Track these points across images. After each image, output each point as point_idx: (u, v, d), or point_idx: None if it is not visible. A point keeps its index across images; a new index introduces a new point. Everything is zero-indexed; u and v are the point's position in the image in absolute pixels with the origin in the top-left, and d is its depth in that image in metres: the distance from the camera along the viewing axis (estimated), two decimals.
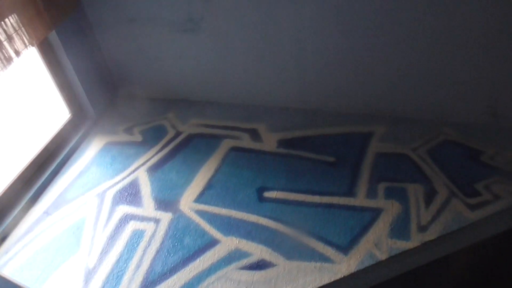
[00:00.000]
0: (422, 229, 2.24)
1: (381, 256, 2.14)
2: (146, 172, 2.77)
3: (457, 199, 2.37)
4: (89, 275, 2.21)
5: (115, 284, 2.14)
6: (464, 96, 2.78)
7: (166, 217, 2.46)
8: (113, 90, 3.45)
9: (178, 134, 3.06)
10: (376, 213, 2.35)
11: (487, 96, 2.74)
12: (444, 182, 2.48)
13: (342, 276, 2.06)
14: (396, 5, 2.48)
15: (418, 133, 2.82)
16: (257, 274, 2.11)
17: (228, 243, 2.27)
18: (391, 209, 2.35)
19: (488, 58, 2.57)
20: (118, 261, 2.24)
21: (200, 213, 2.46)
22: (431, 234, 2.21)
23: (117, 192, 2.65)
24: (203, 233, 2.34)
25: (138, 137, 3.07)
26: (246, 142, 2.92)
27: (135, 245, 2.31)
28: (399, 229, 2.25)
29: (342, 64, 2.82)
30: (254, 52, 2.92)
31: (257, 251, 2.22)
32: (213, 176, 2.69)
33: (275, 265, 2.14)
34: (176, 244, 2.30)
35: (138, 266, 2.20)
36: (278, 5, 2.66)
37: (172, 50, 3.07)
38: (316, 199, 2.46)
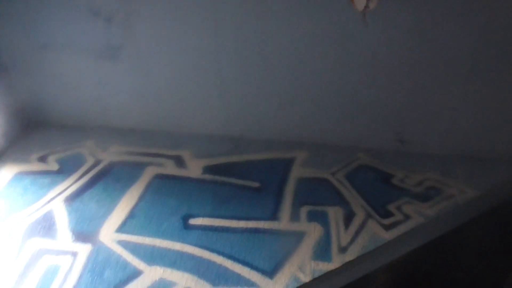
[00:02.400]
0: (343, 250, 2.34)
1: (305, 278, 2.19)
2: (62, 203, 2.61)
3: (373, 220, 2.52)
4: None
5: None
6: (376, 124, 3.01)
7: (84, 249, 2.31)
8: (25, 118, 3.23)
9: (97, 162, 2.93)
10: (299, 236, 2.42)
11: (395, 124, 3.00)
12: (361, 204, 2.63)
13: None
14: (313, 37, 2.65)
15: (336, 158, 2.99)
16: None
17: (152, 273, 2.19)
18: (313, 232, 2.44)
19: (396, 90, 2.82)
20: None
21: (122, 244, 2.35)
22: (351, 254, 2.32)
23: (29, 225, 2.45)
24: (125, 264, 2.24)
25: (54, 166, 2.89)
26: (170, 169, 2.88)
27: (49, 282, 2.14)
28: (321, 251, 2.33)
29: (263, 93, 2.93)
30: (176, 80, 2.94)
31: (183, 280, 2.16)
32: (136, 205, 2.60)
33: None
34: (95, 278, 2.16)
35: None
36: (198, 34, 2.72)
37: (89, 77, 2.98)
38: (242, 224, 2.48)
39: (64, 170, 2.85)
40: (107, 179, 2.79)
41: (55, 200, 2.62)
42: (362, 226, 2.48)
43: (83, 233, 2.40)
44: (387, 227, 2.48)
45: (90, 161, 2.94)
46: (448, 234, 3.14)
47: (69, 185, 2.73)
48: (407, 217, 2.55)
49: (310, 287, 2.25)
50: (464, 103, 2.77)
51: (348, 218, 2.53)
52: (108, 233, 2.41)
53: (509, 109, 2.76)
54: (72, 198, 2.64)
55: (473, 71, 2.63)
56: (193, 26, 2.72)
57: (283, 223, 2.49)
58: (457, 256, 3.69)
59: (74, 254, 2.28)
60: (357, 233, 2.44)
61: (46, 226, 2.44)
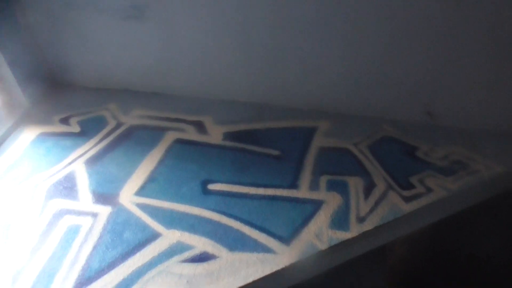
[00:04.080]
0: (361, 220, 2.31)
1: (322, 246, 2.18)
2: (83, 165, 2.64)
3: (394, 192, 2.47)
4: (17, 275, 2.05)
5: (47, 283, 2.01)
6: (403, 96, 2.90)
7: (104, 211, 2.35)
8: (49, 78, 3.25)
9: (119, 125, 2.95)
10: (318, 205, 2.39)
11: (424, 96, 2.89)
12: (382, 175, 2.58)
13: (284, 267, 2.08)
14: (341, 5, 2.54)
15: (360, 129, 2.92)
16: (199, 267, 2.07)
17: (170, 236, 2.22)
18: (332, 201, 2.41)
19: (427, 61, 2.69)
20: (50, 258, 2.11)
21: (142, 207, 2.38)
22: (369, 224, 2.29)
23: (51, 186, 2.49)
24: (144, 226, 2.27)
25: (76, 128, 2.92)
26: (191, 134, 2.87)
27: (70, 241, 2.19)
28: (339, 220, 2.31)
29: (290, 60, 2.85)
30: (201, 43, 2.88)
31: (200, 243, 2.18)
32: (155, 169, 2.61)
33: (218, 257, 2.12)
34: (115, 238, 2.20)
35: (73, 263, 2.08)
36: None
37: (114, 37, 2.95)
38: (260, 191, 2.47)
39: (85, 132, 2.88)
40: (128, 143, 2.80)
41: (77, 162, 2.65)
42: (382, 197, 2.44)
43: (104, 195, 2.44)
44: (408, 199, 2.42)
45: (111, 124, 2.96)
46: (469, 210, 3.05)
47: (90, 148, 2.76)
48: (429, 190, 2.49)
49: (326, 255, 2.25)
50: (498, 77, 2.63)
51: (368, 189, 2.49)
52: (128, 196, 2.44)
53: None
54: (93, 161, 2.67)
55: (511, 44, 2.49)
56: None
57: (302, 192, 2.47)
58: (476, 232, 3.61)
59: (95, 215, 2.32)
60: (376, 203, 2.40)
61: (67, 187, 2.49)
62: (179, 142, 2.81)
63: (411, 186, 2.51)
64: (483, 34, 2.49)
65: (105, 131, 2.90)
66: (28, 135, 2.85)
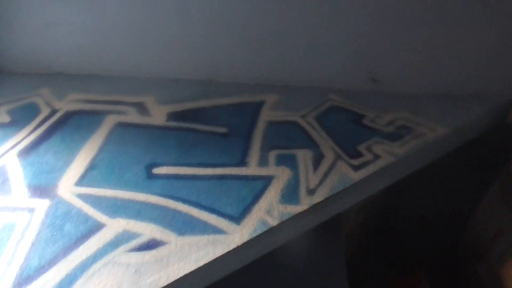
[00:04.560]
0: (311, 192, 2.30)
1: (273, 222, 2.15)
2: (16, 157, 2.45)
3: (342, 161, 2.47)
4: None
5: None
6: (348, 64, 2.89)
7: (42, 205, 2.20)
8: None
9: (54, 112, 2.75)
10: (267, 180, 2.35)
11: (368, 63, 2.88)
12: (330, 145, 2.57)
13: (235, 247, 2.04)
14: None
15: (307, 101, 2.88)
16: (148, 255, 1.99)
17: (115, 225, 2.11)
18: (281, 176, 2.38)
19: (368, 27, 2.67)
20: None
21: (83, 197, 2.24)
22: (319, 196, 2.28)
23: None
24: (86, 218, 2.15)
25: (5, 118, 2.70)
26: (132, 116, 2.73)
27: (5, 240, 2.03)
28: (289, 194, 2.28)
29: (232, 33, 2.74)
30: (136, 19, 2.70)
31: (147, 230, 2.09)
32: (96, 156, 2.47)
33: (167, 243, 2.04)
34: (55, 233, 2.07)
35: (9, 263, 1.94)
36: None
37: (37, 17, 2.71)
38: (209, 171, 2.39)
39: (16, 121, 2.67)
40: (65, 130, 2.63)
41: (8, 154, 2.46)
42: (331, 167, 2.43)
43: (40, 188, 2.28)
44: (356, 168, 2.43)
45: (45, 111, 2.76)
46: (417, 173, 3.12)
47: (23, 138, 2.57)
48: (376, 157, 2.51)
49: (278, 230, 2.23)
50: (437, 39, 2.66)
51: (317, 160, 2.47)
52: (67, 187, 2.29)
53: (481, 46, 2.67)
54: (27, 151, 2.48)
55: (447, 4, 2.50)
56: None
57: (251, 168, 2.42)
58: (425, 194, 3.73)
59: (31, 210, 2.17)
60: (325, 174, 2.39)
61: None
62: (120, 125, 2.67)
63: (359, 155, 2.52)
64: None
65: (38, 119, 2.70)
66: None
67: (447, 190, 4.15)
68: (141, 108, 2.78)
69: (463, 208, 4.36)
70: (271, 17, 2.64)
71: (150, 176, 2.36)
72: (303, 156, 2.50)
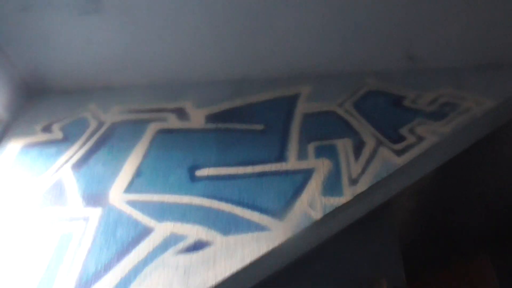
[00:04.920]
0: (353, 182, 2.26)
1: (316, 215, 2.14)
2: (70, 170, 2.61)
3: (384, 147, 2.40)
4: None
5: None
6: (382, 44, 2.79)
7: (95, 213, 2.33)
8: (24, 87, 3.18)
9: (101, 124, 2.90)
10: (308, 173, 2.34)
11: (403, 41, 2.77)
12: (371, 132, 2.51)
13: (280, 242, 2.05)
14: None
15: (343, 88, 2.82)
16: (195, 256, 2.06)
17: (162, 229, 2.20)
18: (322, 168, 2.35)
19: (399, 3, 2.56)
20: (46, 269, 2.11)
21: (131, 203, 2.35)
22: (362, 185, 2.24)
23: (40, 196, 2.48)
24: (136, 223, 2.25)
25: (59, 134, 2.88)
26: (173, 122, 2.82)
27: (64, 249, 2.19)
28: (331, 185, 2.26)
29: (258, 28, 2.74)
30: (167, 25, 2.77)
31: (193, 232, 2.16)
32: (141, 163, 2.58)
33: (212, 242, 2.10)
34: (108, 239, 2.19)
35: (69, 271, 2.08)
36: None
37: (77, 35, 2.86)
38: (248, 169, 2.42)
39: (68, 137, 2.84)
40: (111, 141, 2.76)
41: (63, 168, 2.62)
42: (373, 154, 2.37)
43: (93, 197, 2.42)
44: (399, 152, 2.36)
45: (93, 125, 2.91)
46: (470, 150, 2.94)
47: (75, 152, 2.73)
48: (420, 139, 2.41)
49: (322, 223, 2.21)
50: (472, 7, 2.50)
51: (358, 148, 2.42)
52: (117, 194, 2.41)
53: None
54: (79, 164, 2.64)
55: None
56: None
57: (291, 163, 2.41)
58: (482, 172, 3.52)
59: (86, 219, 2.31)
60: (367, 162, 2.34)
61: (56, 194, 2.47)
62: (162, 132, 2.76)
63: (401, 138, 2.44)
64: None
65: (88, 132, 2.86)
66: (12, 149, 2.82)
67: (505, 166, 3.90)
68: (181, 113, 2.86)
69: None
70: (295, 7, 2.60)
71: (193, 178, 2.42)
72: (343, 145, 2.46)
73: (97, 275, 2.04)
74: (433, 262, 5.05)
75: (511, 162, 3.79)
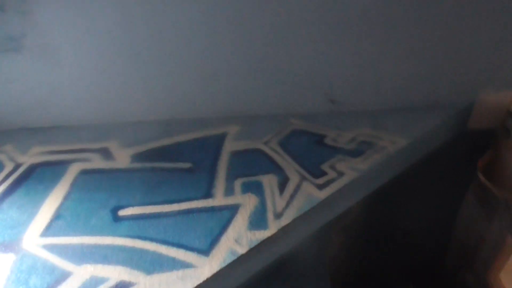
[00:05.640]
0: (278, 216, 2.31)
1: (242, 250, 2.14)
2: None
3: (307, 182, 2.51)
4: None
5: None
6: (305, 88, 2.97)
7: (6, 260, 2.15)
8: None
9: (17, 166, 2.74)
10: (234, 209, 2.36)
11: (325, 85, 2.97)
12: (295, 168, 2.61)
13: (206, 279, 2.02)
14: (226, 5, 2.56)
15: (269, 128, 2.94)
16: None
17: (81, 272, 2.07)
18: (248, 203, 2.39)
19: (318, 50, 2.78)
20: None
21: (48, 248, 2.21)
22: (287, 218, 2.29)
23: None
24: (53, 268, 2.10)
25: None
26: (97, 162, 2.74)
27: None
28: (257, 220, 2.29)
29: (185, 70, 2.81)
30: (91, 67, 2.76)
31: (115, 273, 2.06)
32: (61, 205, 2.45)
33: (135, 283, 2.01)
34: None
35: None
36: (107, 15, 2.55)
37: None
38: (174, 207, 2.39)
39: None
40: (28, 183, 2.61)
41: None
42: (296, 189, 2.46)
43: (4, 244, 2.24)
44: (321, 186, 2.47)
45: (8, 167, 2.74)
46: (390, 188, 3.15)
47: None
48: (340, 174, 2.55)
49: (248, 258, 2.21)
50: (385, 55, 2.77)
51: (283, 184, 2.50)
52: (32, 239, 2.26)
53: (432, 57, 2.79)
54: None
55: (391, 20, 2.63)
56: (100, 4, 2.54)
57: (217, 199, 2.43)
58: (405, 208, 3.73)
59: None
60: (291, 197, 2.42)
61: None
62: (85, 172, 2.67)
63: (323, 174, 2.56)
64: (360, 16, 2.61)
65: (1, 175, 2.68)
66: None
67: (426, 202, 4.18)
68: (105, 153, 2.79)
69: (446, 218, 4.39)
70: (222, 50, 2.73)
71: (116, 219, 2.34)
72: (269, 181, 2.53)
73: None
74: None
75: (430, 199, 4.09)
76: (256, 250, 2.17)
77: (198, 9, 2.56)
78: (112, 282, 2.02)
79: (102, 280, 2.03)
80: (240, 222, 2.28)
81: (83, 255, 2.16)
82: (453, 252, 4.66)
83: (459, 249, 4.41)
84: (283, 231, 2.28)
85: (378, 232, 4.61)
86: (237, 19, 2.62)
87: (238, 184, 2.52)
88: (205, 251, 2.14)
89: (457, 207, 4.18)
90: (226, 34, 2.67)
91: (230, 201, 2.41)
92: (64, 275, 2.06)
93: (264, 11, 2.60)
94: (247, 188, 2.48)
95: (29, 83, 2.82)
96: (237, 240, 2.19)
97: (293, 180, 2.52)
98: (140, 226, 2.29)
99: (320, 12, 2.59)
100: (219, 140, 2.85)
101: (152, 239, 2.22)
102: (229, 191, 2.47)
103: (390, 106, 3.04)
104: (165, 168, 2.65)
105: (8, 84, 2.81)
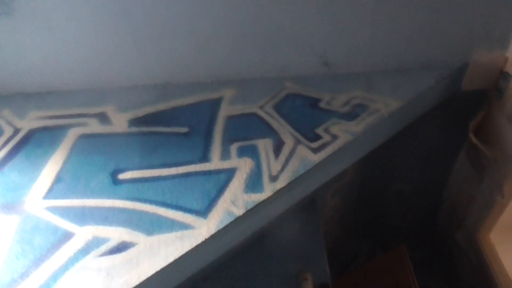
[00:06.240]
0: (274, 179, 2.38)
1: (238, 212, 2.22)
2: None
3: (302, 145, 2.55)
4: None
5: None
6: (300, 50, 2.96)
7: (10, 221, 2.24)
8: None
9: (16, 131, 2.78)
10: (230, 173, 2.42)
11: (318, 48, 2.96)
12: (290, 132, 2.65)
13: (203, 240, 2.11)
14: None
15: (264, 91, 2.96)
16: (118, 257, 2.05)
17: (84, 233, 2.16)
18: (244, 167, 2.45)
19: (313, 10, 2.74)
20: None
21: (51, 209, 2.29)
22: (282, 182, 2.36)
23: None
24: (56, 229, 2.19)
25: None
26: (94, 127, 2.77)
27: None
28: (253, 183, 2.36)
29: (179, 33, 2.78)
30: (84, 30, 2.73)
31: (116, 234, 2.15)
32: (61, 169, 2.51)
33: (136, 244, 2.10)
34: (25, 247, 2.11)
35: None
36: None
37: None
38: (172, 171, 2.45)
39: None
40: (28, 147, 2.66)
41: None
42: (291, 153, 2.51)
43: (7, 206, 2.31)
44: (316, 150, 2.52)
45: (8, 132, 2.78)
46: (384, 149, 3.21)
47: None
48: (334, 137, 2.59)
49: (244, 219, 2.30)
50: (379, 16, 2.75)
51: (278, 148, 2.55)
52: (35, 201, 2.33)
53: (425, 17, 2.77)
54: None
55: None
56: None
57: (214, 163, 2.49)
58: (398, 169, 3.84)
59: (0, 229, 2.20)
60: (287, 160, 2.47)
61: None
62: (83, 137, 2.71)
63: (318, 137, 2.61)
64: None
65: (1, 140, 2.72)
66: None
67: (419, 162, 4.26)
68: (103, 118, 2.82)
69: (438, 178, 4.50)
70: (216, 13, 2.69)
71: (116, 182, 2.41)
72: (264, 145, 2.58)
73: (13, 284, 1.96)
74: (361, 255, 5.35)
75: (423, 159, 4.17)
76: (252, 211, 2.25)
77: None
78: (114, 242, 2.11)
79: (104, 240, 2.12)
80: (236, 185, 2.35)
81: (84, 216, 2.24)
82: (445, 212, 4.80)
83: (451, 209, 4.55)
84: (278, 195, 2.35)
85: (372, 193, 4.74)
86: None
87: (234, 148, 2.56)
88: (203, 213, 2.22)
89: (449, 168, 4.28)
90: None
91: (226, 164, 2.47)
92: (67, 236, 2.15)
93: None
94: (243, 152, 2.54)
95: (22, 47, 2.80)
96: (234, 202, 2.27)
97: (288, 143, 2.57)
98: (139, 189, 2.36)
99: None
100: (215, 104, 2.88)
101: (151, 202, 2.29)
102: (225, 155, 2.52)
103: (383, 68, 3.04)
104: (162, 133, 2.69)
105: (1, 49, 2.79)
